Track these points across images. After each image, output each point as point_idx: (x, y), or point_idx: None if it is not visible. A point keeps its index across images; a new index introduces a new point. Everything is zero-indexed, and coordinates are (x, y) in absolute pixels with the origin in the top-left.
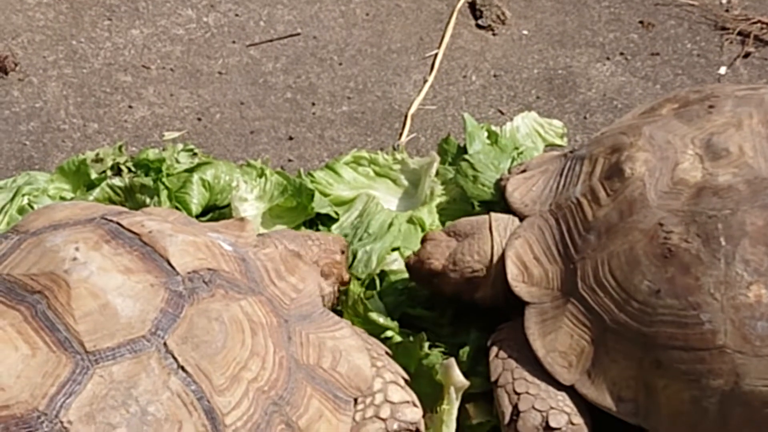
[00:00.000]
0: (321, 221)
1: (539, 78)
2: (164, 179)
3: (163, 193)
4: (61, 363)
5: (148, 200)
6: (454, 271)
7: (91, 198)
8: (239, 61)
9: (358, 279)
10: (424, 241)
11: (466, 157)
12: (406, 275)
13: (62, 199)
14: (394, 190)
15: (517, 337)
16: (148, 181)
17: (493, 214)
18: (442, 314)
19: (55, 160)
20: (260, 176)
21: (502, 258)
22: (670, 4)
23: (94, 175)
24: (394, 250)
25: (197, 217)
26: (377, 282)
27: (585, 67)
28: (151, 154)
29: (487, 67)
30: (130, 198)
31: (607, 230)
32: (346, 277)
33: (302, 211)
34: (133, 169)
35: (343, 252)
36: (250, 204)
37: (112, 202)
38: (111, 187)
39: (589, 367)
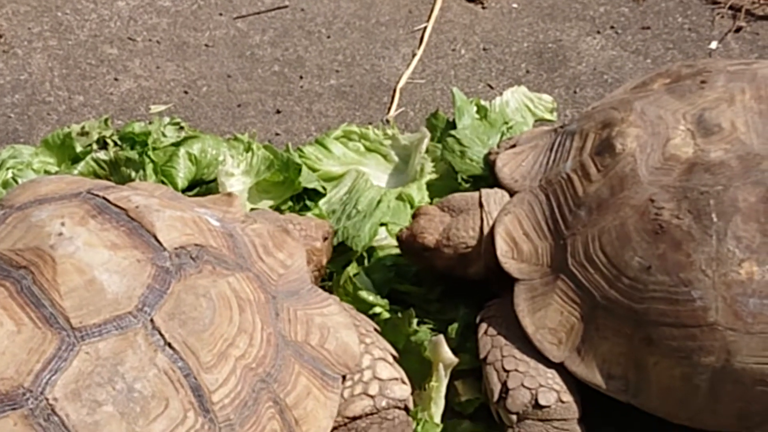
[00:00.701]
0: (308, 196)
1: (529, 52)
2: (150, 153)
3: (149, 167)
4: (46, 339)
5: (133, 174)
6: (447, 246)
7: (75, 172)
8: (226, 33)
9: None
10: (416, 215)
11: (453, 133)
12: (395, 251)
13: (47, 172)
14: (385, 166)
15: (506, 313)
16: (133, 154)
17: (483, 190)
18: (431, 290)
19: (40, 133)
20: (247, 150)
21: (492, 234)
22: None
23: (79, 149)
24: (381, 225)
25: (183, 191)
26: (365, 258)
27: (575, 41)
28: (137, 127)
29: (476, 40)
30: (116, 172)
31: (598, 206)
32: (325, 263)
33: (289, 186)
34: (118, 142)
35: (325, 239)
36: (236, 179)
37: (97, 175)
38: (96, 160)
39: (578, 344)
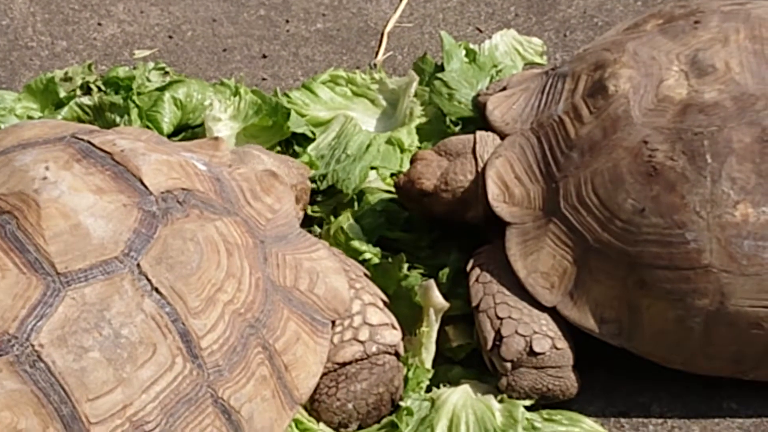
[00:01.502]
0: (297, 141)
1: None
2: (135, 98)
3: (134, 112)
4: (31, 285)
5: (118, 119)
6: (446, 191)
7: (59, 117)
8: None
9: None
10: (414, 161)
11: (439, 75)
12: (385, 196)
13: (30, 118)
14: (372, 111)
15: (497, 259)
16: (118, 99)
17: (478, 133)
18: (421, 237)
19: (23, 78)
20: (234, 95)
21: (483, 177)
22: None
23: (62, 94)
24: (372, 169)
25: (169, 136)
26: (355, 201)
27: None
28: (122, 72)
29: None
30: (100, 117)
31: (591, 148)
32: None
33: (278, 131)
34: (102, 87)
35: (309, 178)
36: (224, 124)
37: (81, 121)
38: (80, 106)
39: (571, 288)
